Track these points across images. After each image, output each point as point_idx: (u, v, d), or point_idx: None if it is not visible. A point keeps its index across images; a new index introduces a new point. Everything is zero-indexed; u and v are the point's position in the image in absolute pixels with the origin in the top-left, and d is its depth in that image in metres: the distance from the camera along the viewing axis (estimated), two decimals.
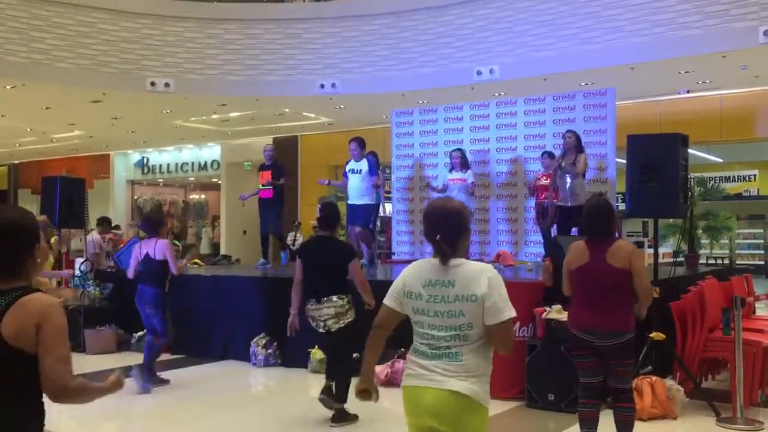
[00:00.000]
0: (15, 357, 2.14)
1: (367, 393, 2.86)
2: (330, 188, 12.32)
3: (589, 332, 4.32)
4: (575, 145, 8.28)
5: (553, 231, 8.67)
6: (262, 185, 9.90)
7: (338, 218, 5.62)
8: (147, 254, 6.80)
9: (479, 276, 2.69)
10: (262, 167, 10.12)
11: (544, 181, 8.85)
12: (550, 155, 8.89)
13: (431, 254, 2.88)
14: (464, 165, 9.23)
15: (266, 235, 10.28)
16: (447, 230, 2.78)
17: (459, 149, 9.44)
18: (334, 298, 5.27)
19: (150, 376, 6.68)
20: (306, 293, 5.39)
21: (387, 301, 2.87)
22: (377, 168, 9.29)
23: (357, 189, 9.15)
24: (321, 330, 5.37)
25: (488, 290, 2.66)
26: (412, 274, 2.83)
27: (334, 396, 5.32)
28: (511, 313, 2.68)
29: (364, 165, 9.12)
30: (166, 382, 6.92)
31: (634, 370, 4.49)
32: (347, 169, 9.35)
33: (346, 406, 5.39)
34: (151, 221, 7.15)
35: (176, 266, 6.78)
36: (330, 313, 5.26)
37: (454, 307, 2.69)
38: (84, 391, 2.23)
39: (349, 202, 9.36)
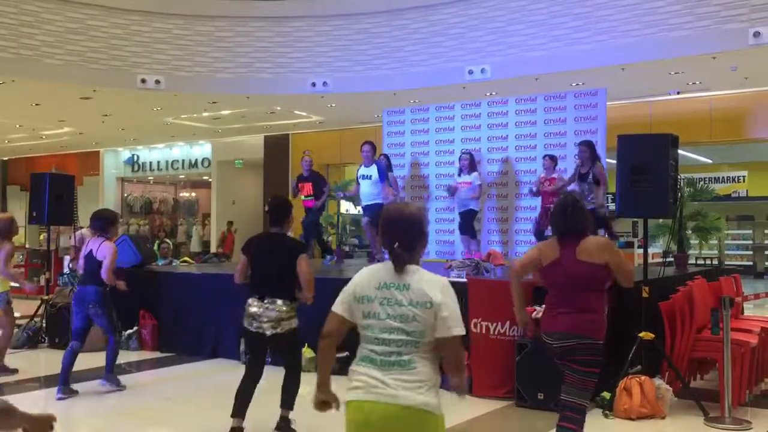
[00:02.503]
0: None
1: (327, 404, 2.74)
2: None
3: (551, 334, 4.02)
4: (589, 157, 8.39)
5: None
6: (305, 197, 9.74)
7: (289, 213, 5.17)
8: (90, 252, 6.37)
9: (436, 284, 2.62)
10: (301, 178, 9.85)
11: (548, 187, 8.86)
12: (552, 157, 8.93)
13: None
14: (472, 167, 9.26)
15: (309, 241, 9.95)
16: (404, 236, 2.69)
17: (468, 152, 9.46)
18: (279, 302, 4.88)
19: (111, 376, 6.53)
20: (250, 289, 5.04)
21: (336, 308, 2.73)
22: (386, 173, 9.30)
23: (369, 194, 9.24)
24: (251, 329, 4.91)
25: (443, 299, 2.57)
26: (365, 278, 2.72)
27: (286, 422, 5.08)
28: (462, 331, 2.58)
29: (373, 171, 9.18)
30: (122, 388, 6.61)
31: (593, 388, 3.99)
32: (359, 175, 9.43)
33: (291, 415, 5.12)
34: (102, 219, 6.55)
35: (108, 273, 6.26)
36: (270, 316, 4.85)
37: (407, 311, 2.58)
38: None
39: (364, 203, 9.46)
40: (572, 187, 8.55)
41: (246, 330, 5.01)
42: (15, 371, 7.19)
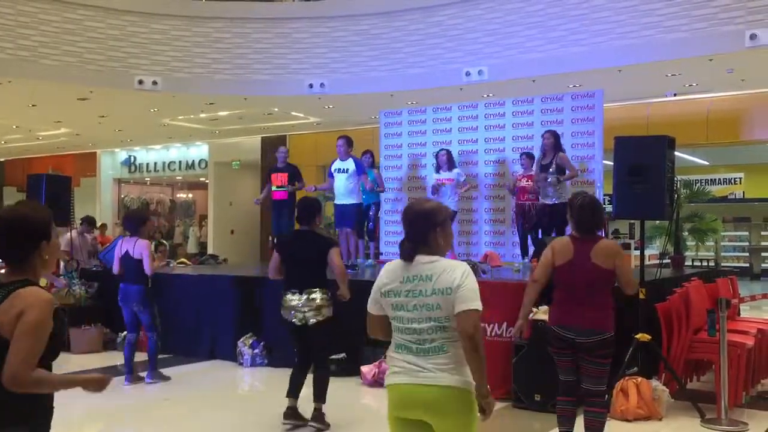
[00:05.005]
0: (4, 347, 2.17)
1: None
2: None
3: (568, 328, 4.32)
4: (553, 146, 8.35)
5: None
6: (277, 187, 9.61)
7: (317, 212, 5.52)
8: (127, 252, 6.81)
9: (455, 270, 2.79)
10: (275, 169, 9.77)
11: (524, 183, 8.89)
12: (529, 156, 8.93)
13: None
14: (451, 164, 9.24)
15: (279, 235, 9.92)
16: (415, 230, 2.88)
17: (445, 149, 9.44)
18: (317, 290, 5.26)
19: (153, 372, 6.99)
20: (286, 285, 5.34)
21: (369, 308, 2.96)
22: (364, 167, 9.22)
23: (343, 188, 9.06)
24: (296, 321, 5.26)
25: (460, 281, 2.75)
26: (389, 273, 2.90)
27: (300, 415, 5.33)
28: (477, 306, 2.73)
29: (350, 164, 9.07)
30: (167, 378, 7.13)
31: (607, 374, 4.42)
32: (333, 169, 9.26)
33: (324, 407, 5.33)
34: (133, 219, 7.13)
35: (151, 267, 6.76)
36: (312, 305, 5.23)
37: (432, 300, 2.77)
38: (41, 384, 2.22)
39: (337, 202, 9.28)
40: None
41: (284, 321, 5.38)
42: None
